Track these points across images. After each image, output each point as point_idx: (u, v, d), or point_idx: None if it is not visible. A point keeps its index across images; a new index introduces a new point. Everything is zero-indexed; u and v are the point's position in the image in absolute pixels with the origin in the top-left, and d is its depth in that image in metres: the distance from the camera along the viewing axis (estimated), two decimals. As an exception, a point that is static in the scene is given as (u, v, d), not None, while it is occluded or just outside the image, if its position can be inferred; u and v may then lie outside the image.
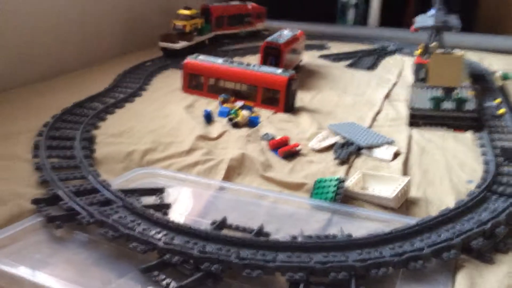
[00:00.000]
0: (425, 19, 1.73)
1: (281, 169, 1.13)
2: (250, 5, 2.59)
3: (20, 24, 1.60)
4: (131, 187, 1.00)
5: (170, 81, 1.78)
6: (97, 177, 0.99)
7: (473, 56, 2.18)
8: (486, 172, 1.10)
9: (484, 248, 0.81)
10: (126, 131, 1.29)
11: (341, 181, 0.98)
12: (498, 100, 1.56)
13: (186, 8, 2.11)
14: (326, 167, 1.14)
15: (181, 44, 2.03)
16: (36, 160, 1.07)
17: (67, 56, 1.83)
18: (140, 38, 2.27)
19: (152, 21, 2.35)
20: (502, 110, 1.47)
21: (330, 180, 0.99)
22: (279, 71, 1.54)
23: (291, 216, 0.95)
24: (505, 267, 0.78)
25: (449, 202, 0.98)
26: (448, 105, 1.40)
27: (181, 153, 1.18)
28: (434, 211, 0.93)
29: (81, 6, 1.88)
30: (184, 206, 0.99)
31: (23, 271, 0.71)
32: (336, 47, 2.48)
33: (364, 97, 1.69)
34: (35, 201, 0.88)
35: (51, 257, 0.76)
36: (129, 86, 1.66)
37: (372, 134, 1.31)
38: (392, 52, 2.42)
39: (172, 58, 2.01)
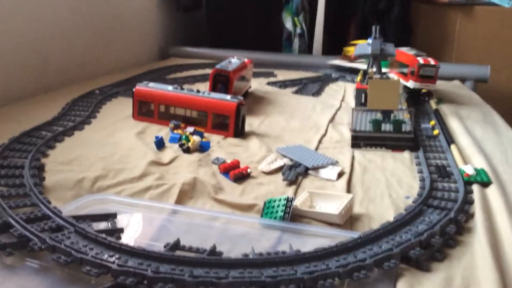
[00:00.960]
0: (364, 47, 1.84)
1: (232, 191, 1.17)
2: None
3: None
4: (83, 213, 1.00)
5: (120, 108, 1.78)
6: (48, 204, 0.99)
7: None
8: (422, 188, 1.18)
9: (421, 257, 0.87)
10: (76, 158, 1.29)
11: (289, 200, 1.03)
12: (433, 122, 1.67)
13: None
14: (276, 188, 1.18)
15: None
16: (-17, 189, 1.05)
17: (13, 86, 1.80)
18: (88, 66, 2.27)
19: (95, 51, 2.36)
20: (436, 131, 1.58)
21: (279, 200, 1.04)
22: (228, 97, 1.58)
23: (243, 236, 0.98)
24: (441, 274, 0.84)
25: (389, 216, 1.05)
26: (387, 127, 1.48)
27: (132, 178, 1.19)
28: (376, 225, 0.99)
29: (25, 33, 1.87)
30: (136, 230, 1.00)
31: (-27, 300, 0.70)
32: (283, 75, 2.56)
33: (310, 121, 1.76)
34: (-16, 230, 0.87)
35: (2, 284, 0.76)
36: (78, 114, 1.66)
37: (318, 155, 1.37)
38: (335, 79, 2.53)
39: None
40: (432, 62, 1.88)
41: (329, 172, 1.27)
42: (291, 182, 1.21)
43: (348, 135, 1.57)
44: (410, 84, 1.89)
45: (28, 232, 0.86)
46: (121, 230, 0.94)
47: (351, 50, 2.52)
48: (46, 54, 1.97)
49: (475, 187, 1.17)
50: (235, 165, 1.28)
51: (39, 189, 1.06)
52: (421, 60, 1.88)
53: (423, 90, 2.00)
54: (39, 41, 1.94)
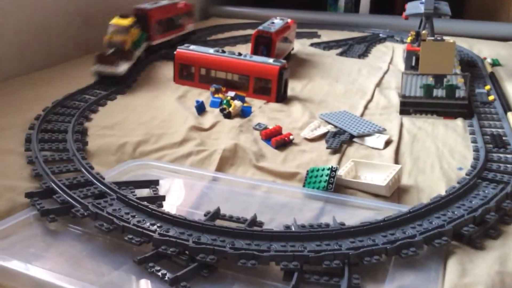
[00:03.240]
0: (416, 6, 1.74)
1: (274, 159, 1.14)
2: (181, 3, 2.14)
3: (11, 14, 1.58)
4: (125, 180, 1.00)
5: (162, 72, 1.77)
6: (91, 169, 0.99)
7: (463, 43, 2.19)
8: (476, 159, 1.11)
9: (474, 234, 0.82)
10: (118, 123, 1.29)
11: (333, 170, 0.99)
12: (488, 87, 1.57)
13: (123, 16, 1.64)
14: (319, 156, 1.15)
15: (123, 67, 1.56)
16: (28, 154, 1.06)
17: (55, 48, 1.81)
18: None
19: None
20: (491, 97, 1.48)
21: (323, 169, 1.00)
22: (271, 60, 1.54)
23: (284, 206, 0.96)
24: (495, 253, 0.79)
25: (440, 189, 0.99)
26: (439, 92, 1.41)
27: (173, 144, 1.18)
28: (425, 199, 0.95)
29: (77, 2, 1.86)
30: (178, 197, 1.00)
31: (17, 265, 0.71)
32: (327, 35, 2.47)
33: (356, 85, 1.70)
34: (29, 195, 0.88)
35: (45, 251, 0.77)
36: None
37: (364, 122, 1.32)
38: (383, 40, 2.42)
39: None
40: None
41: (376, 141, 1.21)
42: (335, 150, 1.17)
43: (396, 100, 1.50)
44: None
45: (71, 199, 0.86)
46: (163, 198, 0.93)
47: None
48: (86, 16, 1.96)
49: (535, 159, 1.09)
50: (277, 131, 1.24)
51: (82, 154, 1.07)
52: None
53: None
54: (80, 2, 1.93)
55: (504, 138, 1.21)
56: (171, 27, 2.04)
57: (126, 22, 1.62)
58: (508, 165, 1.06)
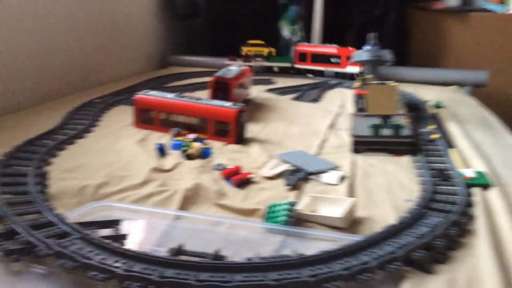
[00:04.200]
0: (361, 54, 1.86)
1: (235, 196, 1.17)
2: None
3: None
4: (87, 220, 1.00)
5: (121, 117, 1.79)
6: (53, 211, 0.99)
7: (407, 88, 2.33)
8: (423, 191, 1.19)
9: (425, 259, 0.87)
10: (78, 166, 1.29)
11: (292, 204, 1.03)
12: (432, 126, 1.68)
13: None
14: (278, 193, 1.19)
15: None
16: (-12, 197, 1.05)
17: (14, 95, 1.81)
18: (88, 76, 2.28)
19: (95, 60, 2.37)
20: (435, 135, 1.59)
21: (282, 204, 1.04)
22: (229, 104, 1.59)
23: (246, 240, 0.99)
24: (445, 276, 0.85)
25: (392, 219, 1.05)
26: (386, 131, 1.50)
27: (135, 185, 1.19)
28: (378, 229, 1.00)
29: (27, 44, 1.88)
30: (140, 236, 1.01)
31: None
32: (282, 82, 2.57)
33: (310, 127, 1.77)
34: (-10, 237, 0.87)
35: (9, 290, 0.76)
36: (80, 123, 1.66)
37: (319, 161, 1.38)
38: (334, 86, 2.54)
39: None
40: None
41: (331, 177, 1.27)
42: (293, 187, 1.22)
43: (348, 140, 1.57)
44: None
45: (33, 239, 0.86)
46: (125, 237, 0.94)
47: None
48: (45, 64, 1.98)
49: (476, 190, 1.18)
50: (237, 170, 1.28)
51: (44, 197, 1.07)
52: None
53: None
54: (38, 51, 1.95)
55: (448, 171, 1.29)
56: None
57: None
58: (453, 196, 1.14)
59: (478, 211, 1.08)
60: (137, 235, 1.00)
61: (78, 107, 1.84)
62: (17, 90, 1.83)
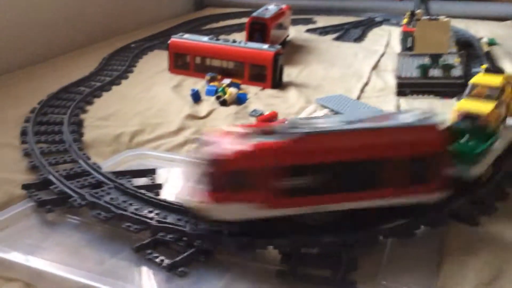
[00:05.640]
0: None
1: (271, 144, 1.13)
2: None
3: (3, 8, 1.57)
4: (122, 169, 0.99)
5: (156, 62, 1.76)
6: (87, 160, 0.99)
7: (459, 24, 2.17)
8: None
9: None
10: (113, 113, 1.28)
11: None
12: (484, 66, 1.56)
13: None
14: (316, 140, 1.14)
15: None
16: (24, 146, 1.06)
17: (51, 41, 1.81)
18: (124, 20, 2.24)
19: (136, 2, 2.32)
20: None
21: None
22: (266, 46, 1.53)
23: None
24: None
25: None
26: (436, 72, 1.40)
27: (169, 133, 1.18)
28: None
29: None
30: (175, 186, 0.99)
31: (15, 256, 0.71)
32: (323, 21, 2.46)
33: (352, 69, 1.69)
34: (26, 187, 0.88)
35: (43, 241, 0.77)
36: (115, 69, 1.64)
37: (361, 105, 1.31)
38: (379, 23, 2.40)
39: None
40: None
41: (373, 122, 1.21)
42: (332, 134, 1.17)
43: (393, 82, 1.49)
44: None
45: (68, 189, 0.86)
46: (160, 186, 0.93)
47: None
48: (81, 9, 1.95)
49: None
50: (273, 117, 1.24)
51: (79, 145, 1.06)
52: None
53: None
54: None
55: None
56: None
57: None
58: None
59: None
60: (171, 185, 0.99)
61: (113, 53, 1.82)
62: (53, 36, 1.81)
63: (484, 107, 0.89)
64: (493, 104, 0.90)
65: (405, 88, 1.40)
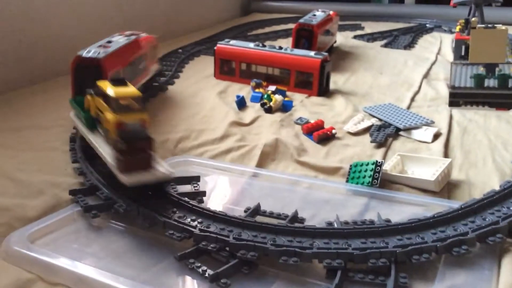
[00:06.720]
0: (464, -7, 1.66)
1: (316, 153, 1.11)
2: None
3: (57, 15, 1.62)
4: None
5: (202, 67, 1.77)
6: (133, 166, 0.99)
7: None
8: (534, 151, 1.05)
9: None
10: (160, 119, 1.29)
11: (378, 164, 0.95)
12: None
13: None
14: (363, 151, 1.11)
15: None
16: (73, 153, 1.08)
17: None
18: (172, 25, 2.28)
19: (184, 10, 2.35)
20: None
21: (367, 164, 0.96)
22: (312, 53, 1.51)
23: (327, 202, 0.93)
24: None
25: (494, 184, 0.94)
26: (490, 82, 1.33)
27: (214, 140, 1.17)
28: (477, 194, 0.90)
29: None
30: (218, 194, 0.99)
31: (61, 261, 0.72)
32: (371, 27, 2.41)
33: (401, 77, 1.64)
34: (72, 192, 0.89)
35: (88, 246, 0.78)
36: (162, 74, 1.66)
37: (411, 115, 1.27)
38: (430, 30, 2.33)
39: None
40: None
41: (424, 133, 1.16)
42: (380, 144, 1.13)
43: (445, 92, 1.44)
44: None
45: (113, 195, 0.87)
46: (204, 193, 0.93)
47: None
48: (129, 13, 2.00)
49: None
50: (319, 125, 1.22)
51: (125, 151, 1.07)
52: None
53: None
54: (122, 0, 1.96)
55: None
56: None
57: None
58: None
59: None
60: (215, 192, 0.98)
61: (160, 58, 1.84)
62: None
63: None
64: None
65: (458, 98, 1.35)
